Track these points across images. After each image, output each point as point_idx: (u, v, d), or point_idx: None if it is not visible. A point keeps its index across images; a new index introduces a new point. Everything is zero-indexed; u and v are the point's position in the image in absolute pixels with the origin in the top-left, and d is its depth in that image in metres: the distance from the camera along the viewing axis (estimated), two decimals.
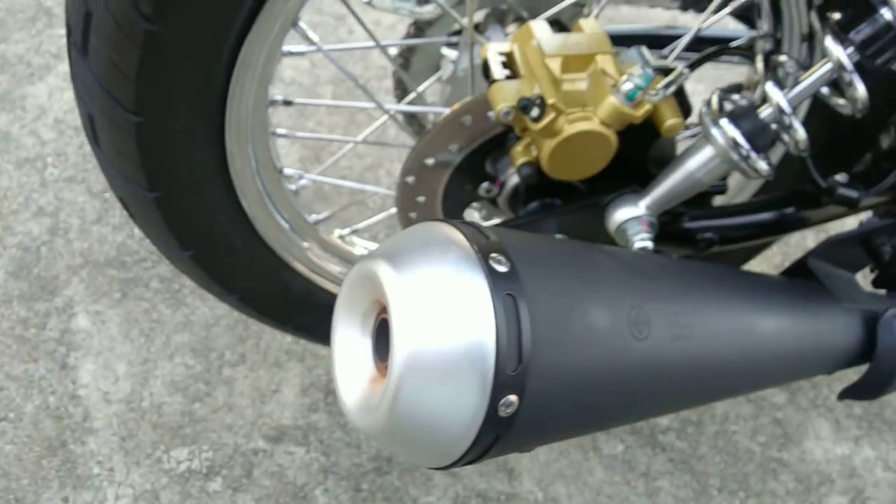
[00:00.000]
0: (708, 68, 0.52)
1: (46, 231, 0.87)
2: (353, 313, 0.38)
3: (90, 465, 0.73)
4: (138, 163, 0.51)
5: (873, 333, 0.54)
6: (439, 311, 0.34)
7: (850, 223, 0.62)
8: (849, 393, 0.58)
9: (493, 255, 0.35)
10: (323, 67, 1.05)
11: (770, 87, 0.45)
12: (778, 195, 0.60)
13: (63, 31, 1.02)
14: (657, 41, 0.62)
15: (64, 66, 1.01)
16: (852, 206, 0.55)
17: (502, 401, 0.34)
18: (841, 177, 0.54)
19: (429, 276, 0.35)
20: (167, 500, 0.73)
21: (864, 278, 0.59)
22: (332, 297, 0.66)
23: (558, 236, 0.54)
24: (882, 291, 0.59)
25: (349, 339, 0.38)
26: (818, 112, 0.59)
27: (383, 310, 0.37)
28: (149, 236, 0.60)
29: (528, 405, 0.35)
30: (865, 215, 0.61)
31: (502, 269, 0.35)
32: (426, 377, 0.34)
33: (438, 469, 0.38)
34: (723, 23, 0.58)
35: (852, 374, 0.56)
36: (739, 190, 0.70)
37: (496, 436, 0.35)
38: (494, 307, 0.34)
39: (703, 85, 1.04)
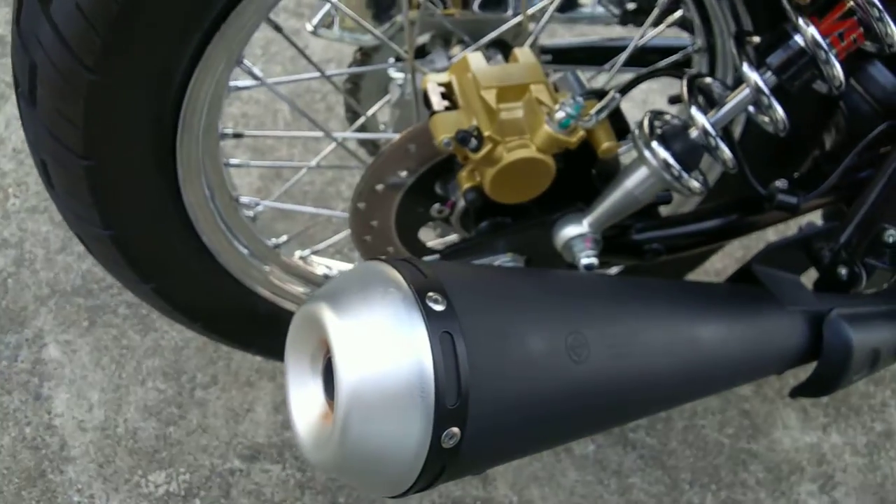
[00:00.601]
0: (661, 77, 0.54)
1: (12, 262, 0.87)
2: (302, 354, 0.40)
3: (70, 494, 0.74)
4: (90, 203, 0.52)
5: (819, 333, 0.56)
6: (379, 351, 0.36)
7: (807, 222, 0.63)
8: (800, 391, 0.61)
9: (430, 293, 0.37)
10: (282, 101, 1.05)
11: (694, 112, 0.47)
12: (721, 203, 0.62)
13: None
14: (599, 53, 0.63)
15: None
16: (792, 212, 0.57)
17: (445, 433, 0.36)
18: (781, 183, 0.56)
19: (368, 318, 0.36)
20: None
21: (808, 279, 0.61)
22: None
23: (506, 257, 0.56)
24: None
25: (300, 378, 0.40)
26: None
27: (329, 350, 0.38)
28: (109, 271, 0.61)
29: (471, 435, 0.37)
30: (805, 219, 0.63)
31: (439, 307, 0.37)
32: (370, 414, 0.35)
33: (392, 497, 0.39)
34: (668, 31, 0.60)
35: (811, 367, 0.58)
36: (685, 200, 0.72)
37: (442, 466, 0.37)
38: (431, 346, 0.36)
39: (657, 85, 1.04)
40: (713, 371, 0.51)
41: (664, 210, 0.62)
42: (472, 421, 0.36)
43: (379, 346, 0.36)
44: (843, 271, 0.56)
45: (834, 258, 0.57)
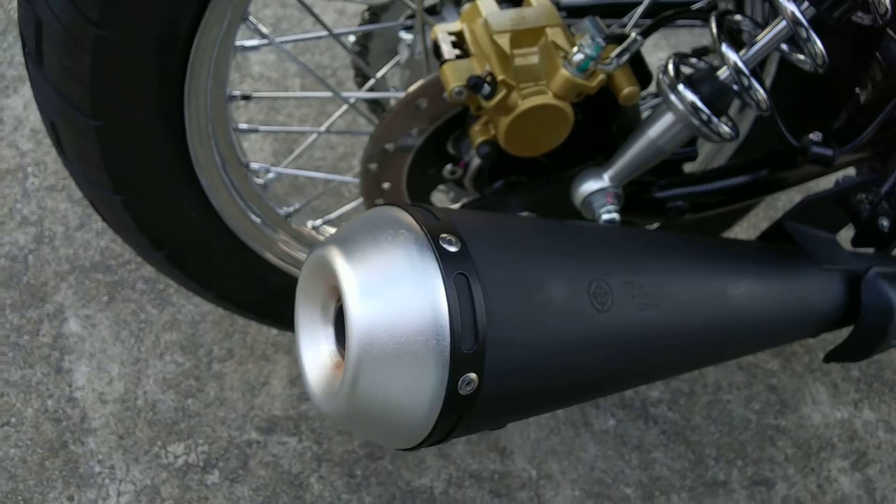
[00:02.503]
0: (685, 35, 0.51)
1: (32, 240, 0.89)
2: (313, 302, 0.39)
3: (91, 464, 0.75)
4: (102, 166, 0.51)
5: (857, 293, 0.53)
6: (391, 294, 0.34)
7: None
8: (835, 355, 0.58)
9: (444, 235, 0.35)
10: (291, 60, 1.04)
11: (725, 49, 0.44)
12: (750, 158, 0.58)
13: None
14: (615, 9, 0.60)
15: None
16: (827, 165, 0.53)
17: (461, 379, 0.34)
18: (815, 135, 0.53)
19: (379, 260, 0.35)
20: (168, 494, 0.74)
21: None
22: None
23: (524, 213, 0.54)
24: (864, 249, 0.58)
25: (311, 327, 0.39)
26: (789, 70, 0.57)
27: (340, 296, 0.37)
28: (122, 238, 0.61)
29: (489, 382, 0.35)
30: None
31: (453, 248, 0.35)
32: (383, 360, 0.34)
33: (407, 450, 0.38)
34: None
35: (846, 334, 0.55)
36: (714, 155, 0.69)
37: (459, 415, 0.36)
38: (446, 287, 0.34)
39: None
40: (742, 330, 0.49)
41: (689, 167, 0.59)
42: (491, 366, 0.35)
43: (391, 289, 0.34)
44: (884, 223, 0.53)
45: (874, 210, 0.54)
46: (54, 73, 0.47)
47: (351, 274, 0.35)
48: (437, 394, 0.34)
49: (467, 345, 0.34)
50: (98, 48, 0.45)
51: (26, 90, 1.00)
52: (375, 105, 0.74)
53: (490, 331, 0.34)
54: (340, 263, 0.35)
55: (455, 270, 0.34)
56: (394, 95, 0.63)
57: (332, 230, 0.72)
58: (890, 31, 0.51)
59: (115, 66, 0.46)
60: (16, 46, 1.04)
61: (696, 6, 0.56)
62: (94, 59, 0.45)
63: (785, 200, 0.96)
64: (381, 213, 0.37)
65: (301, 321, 0.39)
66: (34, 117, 0.98)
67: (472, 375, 0.34)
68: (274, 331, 0.83)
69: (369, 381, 0.34)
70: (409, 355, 0.34)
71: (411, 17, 0.64)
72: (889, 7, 0.41)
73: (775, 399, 0.84)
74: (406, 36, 0.64)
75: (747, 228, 0.93)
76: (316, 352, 0.38)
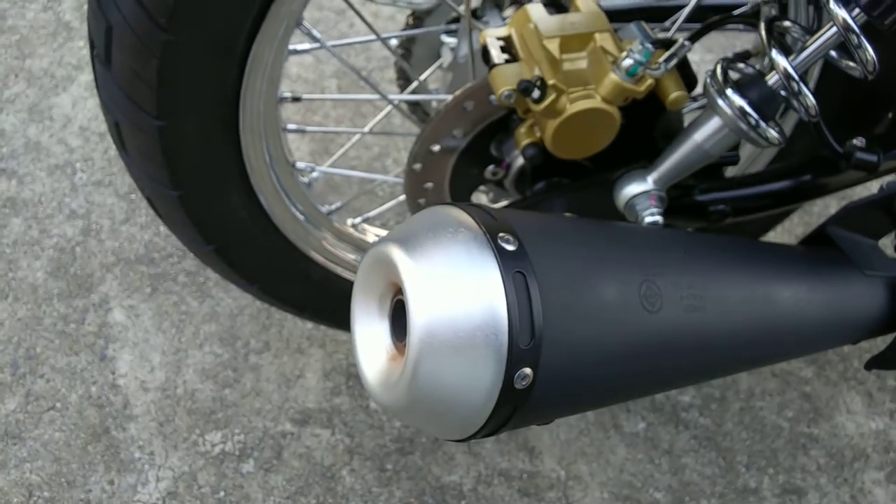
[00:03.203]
0: (719, 37, 0.51)
1: (80, 232, 0.92)
2: (370, 296, 0.40)
3: (132, 450, 0.78)
4: (162, 164, 0.54)
5: None
6: (452, 289, 0.35)
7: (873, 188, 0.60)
8: (876, 362, 0.57)
9: (501, 234, 0.36)
10: (327, 62, 1.06)
11: (775, 54, 0.44)
12: (792, 163, 0.59)
13: (82, 43, 1.07)
14: (659, 13, 0.61)
15: (85, 77, 1.05)
16: (871, 171, 0.53)
17: (517, 373, 0.35)
18: (858, 141, 0.53)
19: (440, 257, 0.36)
20: (204, 481, 0.77)
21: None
22: (347, 284, 0.68)
23: (567, 215, 0.55)
24: None
25: (368, 320, 0.40)
26: (833, 75, 0.57)
27: (399, 291, 0.38)
28: (174, 232, 0.63)
29: (543, 377, 0.36)
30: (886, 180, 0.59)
31: (510, 247, 0.36)
32: (443, 352, 0.35)
33: (459, 441, 0.39)
34: None
35: (882, 344, 0.55)
36: (754, 160, 0.69)
37: (513, 407, 0.37)
38: (504, 284, 0.35)
39: (712, 55, 1.01)
40: (786, 333, 0.49)
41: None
42: (545, 362, 0.36)
43: (451, 286, 0.35)
44: None
45: None
46: (121, 76, 0.49)
47: (413, 269, 0.36)
48: (493, 387, 0.35)
49: (524, 340, 0.35)
50: (165, 52, 0.47)
51: (75, 89, 1.04)
52: (415, 107, 0.76)
53: (546, 328, 0.35)
54: (402, 259, 0.36)
55: (513, 268, 0.35)
56: (438, 98, 0.64)
57: (371, 228, 0.74)
58: None
59: (179, 70, 0.48)
60: (65, 47, 1.08)
61: (739, 11, 0.57)
62: (161, 62, 0.47)
63: (821, 206, 0.95)
64: (440, 211, 0.39)
65: (358, 315, 0.40)
66: (82, 115, 1.02)
67: (528, 370, 0.35)
68: (309, 325, 0.85)
69: (428, 372, 0.35)
70: (468, 349, 0.35)
71: (455, 20, 0.66)
72: None
73: (809, 407, 0.83)
74: (449, 40, 0.66)
75: (781, 234, 0.92)
76: (372, 345, 0.40)
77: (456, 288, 0.35)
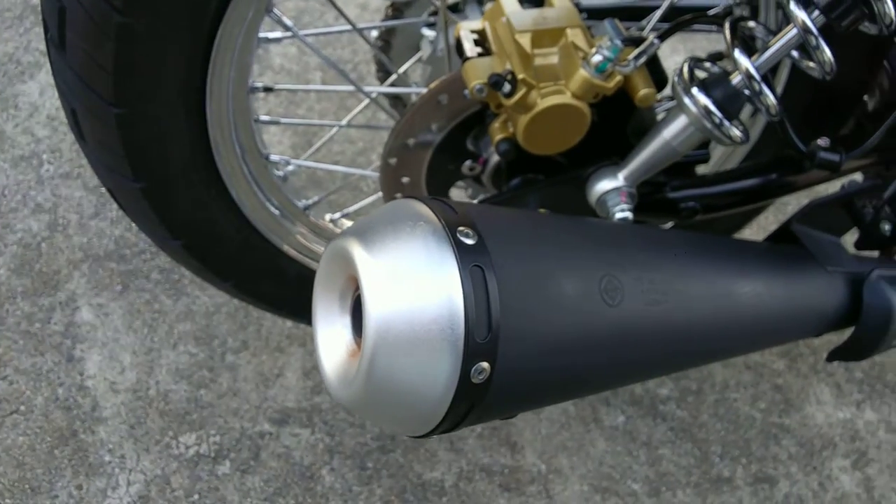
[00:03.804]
0: (701, 40, 0.52)
1: (46, 227, 0.89)
2: (331, 291, 0.40)
3: (101, 453, 0.76)
4: (122, 154, 0.52)
5: (859, 295, 0.54)
6: (408, 284, 0.35)
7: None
8: (837, 354, 0.59)
9: (461, 228, 0.36)
10: (311, 54, 1.05)
11: (737, 54, 0.45)
12: (760, 162, 0.60)
13: None
14: (634, 13, 0.61)
15: None
16: (834, 170, 0.55)
17: (474, 368, 0.35)
18: (822, 141, 0.54)
19: (397, 250, 0.36)
20: (178, 484, 0.75)
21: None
22: None
23: (541, 210, 0.55)
24: (868, 253, 0.59)
25: (329, 316, 0.40)
26: (802, 78, 0.59)
27: (358, 286, 0.38)
28: (139, 227, 0.61)
29: (501, 372, 0.36)
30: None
31: (469, 241, 0.36)
32: (398, 347, 0.35)
33: (419, 437, 0.39)
34: None
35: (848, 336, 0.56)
36: (726, 158, 0.70)
37: (471, 402, 0.37)
38: (462, 278, 0.35)
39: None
40: (748, 327, 0.50)
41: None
42: (503, 356, 0.36)
43: (408, 279, 0.35)
44: (886, 227, 0.55)
45: (877, 214, 0.55)
46: (76, 59, 0.47)
47: (369, 263, 0.35)
48: (449, 381, 0.35)
49: (481, 334, 0.35)
50: (122, 35, 0.45)
51: (42, 76, 1.00)
52: (396, 100, 0.75)
53: (503, 322, 0.35)
54: (359, 253, 0.36)
55: (471, 262, 0.35)
56: (415, 91, 0.63)
57: (349, 223, 0.73)
58: None
59: (138, 54, 0.46)
60: (32, 31, 1.03)
61: (712, 12, 0.58)
62: (118, 46, 0.45)
63: (794, 204, 0.97)
64: (401, 205, 0.38)
65: (319, 311, 0.40)
66: (50, 104, 0.98)
67: (485, 364, 0.35)
68: (289, 323, 0.84)
69: (384, 367, 0.35)
70: (424, 343, 0.34)
71: (434, 13, 0.65)
72: (895, 18, 0.42)
73: (780, 398, 0.85)
74: (428, 33, 0.65)
75: (756, 231, 0.94)
76: (333, 340, 0.39)
77: (412, 281, 0.35)
